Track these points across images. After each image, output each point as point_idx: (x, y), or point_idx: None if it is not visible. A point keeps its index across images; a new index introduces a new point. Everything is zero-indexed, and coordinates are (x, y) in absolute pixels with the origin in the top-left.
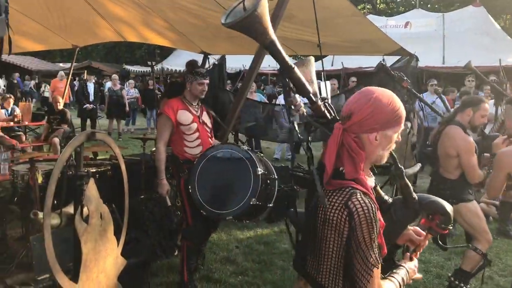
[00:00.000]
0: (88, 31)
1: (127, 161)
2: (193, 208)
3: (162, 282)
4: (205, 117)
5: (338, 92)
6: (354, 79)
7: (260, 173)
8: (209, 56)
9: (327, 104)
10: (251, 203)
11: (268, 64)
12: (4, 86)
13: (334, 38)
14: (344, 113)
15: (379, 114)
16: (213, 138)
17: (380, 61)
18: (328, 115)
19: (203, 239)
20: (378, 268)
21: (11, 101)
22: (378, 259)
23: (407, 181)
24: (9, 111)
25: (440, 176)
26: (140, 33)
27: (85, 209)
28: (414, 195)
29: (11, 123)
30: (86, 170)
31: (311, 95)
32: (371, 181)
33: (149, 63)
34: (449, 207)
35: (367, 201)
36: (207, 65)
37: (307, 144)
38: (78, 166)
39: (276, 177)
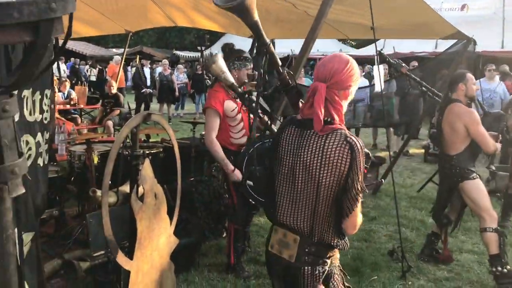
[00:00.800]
0: (140, 16)
1: (178, 144)
2: (239, 193)
3: (211, 262)
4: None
5: (389, 77)
6: (415, 63)
7: None
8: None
9: (289, 75)
10: None
11: (317, 49)
12: (64, 71)
13: (388, 21)
14: (324, 73)
15: (354, 75)
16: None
17: (379, 50)
18: (290, 82)
19: (248, 222)
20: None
21: (67, 84)
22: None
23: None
24: (66, 95)
25: (445, 155)
26: (190, 18)
27: (140, 188)
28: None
29: (68, 106)
30: (141, 151)
31: (280, 67)
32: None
33: (198, 48)
34: (367, 151)
35: (357, 138)
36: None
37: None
38: (134, 146)
39: None
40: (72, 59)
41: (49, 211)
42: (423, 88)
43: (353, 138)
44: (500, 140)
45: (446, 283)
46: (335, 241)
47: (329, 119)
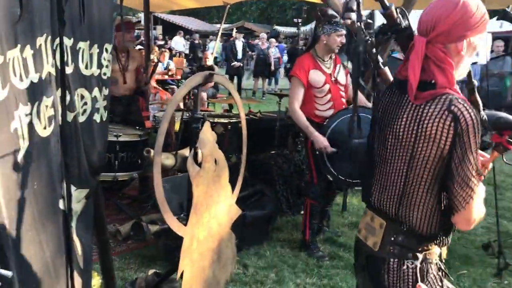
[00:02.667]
0: None
1: (263, 117)
2: (319, 168)
3: (285, 238)
4: (339, 73)
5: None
6: None
7: None
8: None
9: (399, 11)
10: None
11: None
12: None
13: None
14: (426, 23)
15: (469, 20)
16: (347, 94)
17: (505, 9)
18: (401, 22)
19: (328, 200)
20: (480, 180)
21: (166, 55)
22: (478, 168)
23: (478, 97)
24: (164, 65)
25: None
26: None
27: (200, 153)
28: (483, 113)
29: (166, 77)
30: (202, 114)
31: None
32: None
33: (295, 20)
34: None
35: (468, 105)
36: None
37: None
38: (195, 108)
39: None
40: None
41: (130, 173)
42: None
43: (460, 106)
44: None
45: None
46: (431, 233)
47: (431, 81)
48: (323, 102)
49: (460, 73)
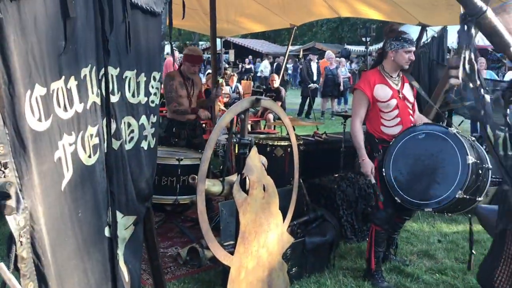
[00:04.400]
0: (304, 8)
1: (328, 138)
2: (386, 192)
3: (348, 266)
4: (407, 91)
5: None
6: None
7: (470, 162)
8: (427, 28)
9: None
10: (457, 196)
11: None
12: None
13: None
14: None
15: None
16: (416, 113)
17: None
18: None
19: (395, 227)
20: None
21: (235, 79)
22: None
23: None
24: (233, 88)
25: None
26: (353, 7)
27: (247, 180)
28: None
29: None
30: (249, 139)
31: (511, 49)
32: None
33: (363, 39)
34: None
35: None
36: (424, 38)
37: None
38: (242, 133)
39: (490, 167)
40: (250, 56)
41: (191, 197)
42: None
43: None
44: None
45: None
46: None
47: None
48: (389, 118)
49: None
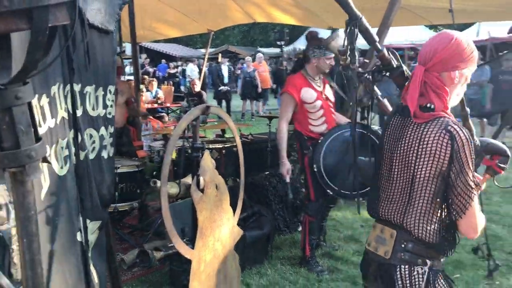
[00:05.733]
0: (221, 14)
1: (255, 139)
2: (316, 185)
3: (285, 256)
4: (328, 92)
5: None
6: None
7: None
8: (337, 32)
9: (390, 52)
10: None
11: (405, 38)
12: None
13: (471, 3)
14: (425, 54)
15: (460, 54)
16: (335, 113)
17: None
18: (393, 62)
19: (323, 215)
20: (477, 192)
21: (155, 84)
22: (476, 182)
23: (471, 124)
24: (153, 94)
25: None
26: (268, 13)
27: (201, 180)
28: (476, 138)
29: (155, 105)
30: (201, 143)
31: (376, 43)
32: None
33: (278, 43)
34: (507, 148)
35: (463, 126)
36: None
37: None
38: (194, 138)
39: None
40: (163, 60)
41: (130, 204)
42: None
43: (455, 126)
44: None
45: None
46: (436, 242)
47: (430, 106)
48: (316, 118)
49: (453, 101)
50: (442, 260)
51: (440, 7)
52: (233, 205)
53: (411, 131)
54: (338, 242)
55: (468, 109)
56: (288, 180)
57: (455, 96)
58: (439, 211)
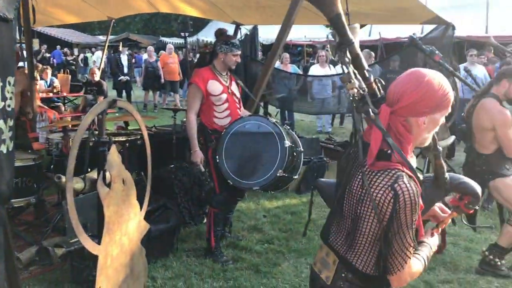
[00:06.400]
0: (122, 2)
1: (159, 131)
2: (220, 177)
3: (190, 248)
4: (234, 87)
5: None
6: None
7: (287, 145)
8: (241, 27)
9: (377, 82)
10: (278, 174)
11: (304, 35)
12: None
13: (366, 6)
14: (393, 95)
15: (430, 98)
16: (242, 109)
17: (411, 35)
18: (378, 93)
19: (230, 207)
20: (413, 250)
21: (49, 72)
22: (414, 241)
23: (442, 161)
24: (48, 82)
25: (475, 152)
26: (172, 4)
27: (108, 175)
28: (446, 175)
29: (51, 94)
30: (107, 137)
31: (365, 70)
32: (413, 161)
33: (182, 34)
34: (479, 189)
35: (412, 185)
36: (238, 36)
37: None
38: (100, 133)
39: (302, 150)
40: (58, 46)
41: (26, 199)
42: (456, 77)
43: (403, 186)
44: None
45: None
46: (376, 275)
47: (388, 151)
48: (220, 111)
49: (419, 143)
50: None
51: None
52: (139, 199)
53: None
54: (241, 232)
55: (440, 149)
56: (202, 169)
57: (422, 140)
58: (379, 256)
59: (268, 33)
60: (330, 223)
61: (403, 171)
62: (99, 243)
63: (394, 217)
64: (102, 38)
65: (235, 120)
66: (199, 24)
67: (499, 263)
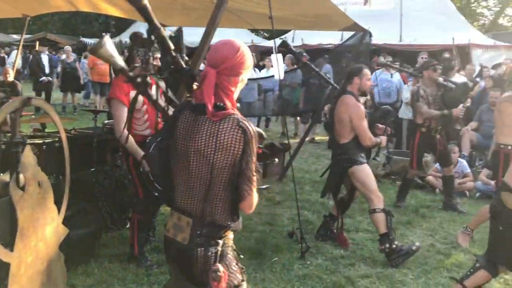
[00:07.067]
0: None
1: (79, 133)
2: (143, 183)
3: (113, 253)
4: (154, 92)
5: (295, 66)
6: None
7: None
8: (165, 28)
9: (181, 57)
10: None
11: (252, 39)
12: None
13: (289, 12)
14: (215, 59)
15: (244, 63)
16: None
17: (283, 39)
18: (184, 66)
19: (154, 212)
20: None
21: None
22: (257, 167)
23: None
24: None
25: (336, 143)
26: (93, 3)
27: (22, 177)
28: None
29: None
30: (22, 137)
31: (171, 51)
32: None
33: (103, 34)
34: (261, 131)
35: (249, 123)
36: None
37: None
38: (13, 133)
39: None
40: None
41: None
42: (321, 78)
43: (245, 122)
44: (389, 132)
45: (342, 261)
46: (228, 223)
47: (221, 104)
48: (141, 123)
49: (236, 98)
50: (231, 236)
51: (262, 13)
52: (58, 203)
53: (207, 127)
54: None
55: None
56: (147, 168)
57: (236, 95)
58: (231, 196)
59: (193, 36)
60: (170, 189)
61: (238, 115)
62: (12, 249)
63: (245, 148)
64: (16, 36)
65: (160, 129)
66: (122, 25)
67: (394, 246)
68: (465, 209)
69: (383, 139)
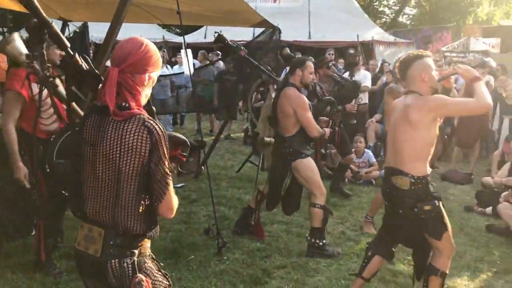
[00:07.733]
0: None
1: None
2: (49, 186)
3: (17, 263)
4: (61, 86)
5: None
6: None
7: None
8: (69, 24)
9: (81, 58)
10: None
11: (140, 35)
12: None
13: (198, 7)
14: (118, 56)
15: (149, 58)
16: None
17: (218, 32)
18: (85, 67)
19: (61, 216)
20: (171, 177)
21: None
22: (171, 169)
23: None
24: None
25: (280, 136)
26: None
27: None
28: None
29: None
30: None
31: (69, 49)
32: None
33: (0, 29)
34: (186, 139)
35: (157, 122)
36: (67, 33)
37: None
38: None
39: None
40: None
41: None
42: (263, 72)
43: (151, 122)
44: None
45: (258, 253)
46: (143, 230)
47: (125, 105)
48: (46, 116)
49: (142, 101)
50: (148, 244)
51: (169, 8)
52: None
53: (112, 129)
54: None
55: (154, 108)
56: (28, 185)
57: (144, 96)
58: (144, 202)
59: (101, 32)
60: (79, 200)
61: (144, 115)
62: None
63: (153, 150)
64: None
65: (65, 126)
66: (21, 19)
67: (321, 243)
68: (350, 193)
69: (327, 131)
